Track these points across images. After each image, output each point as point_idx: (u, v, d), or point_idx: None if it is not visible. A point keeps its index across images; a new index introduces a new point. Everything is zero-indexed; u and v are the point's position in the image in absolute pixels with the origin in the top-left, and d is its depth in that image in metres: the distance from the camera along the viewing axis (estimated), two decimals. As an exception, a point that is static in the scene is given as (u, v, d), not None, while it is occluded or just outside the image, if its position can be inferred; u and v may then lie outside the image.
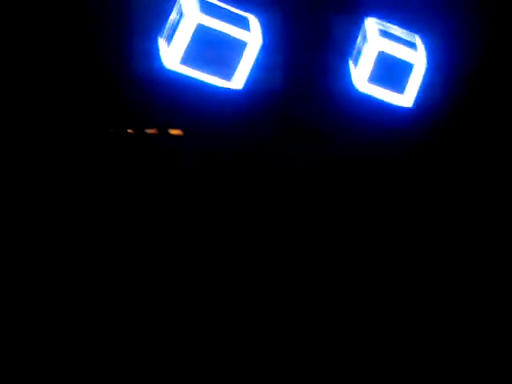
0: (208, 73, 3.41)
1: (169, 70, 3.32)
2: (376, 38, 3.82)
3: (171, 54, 3.34)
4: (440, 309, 3.81)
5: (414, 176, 3.93)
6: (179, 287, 3.32)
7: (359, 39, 3.83)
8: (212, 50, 3.38)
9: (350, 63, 3.78)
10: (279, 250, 3.53)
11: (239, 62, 3.48)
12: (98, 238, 3.16)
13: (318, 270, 3.60)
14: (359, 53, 3.81)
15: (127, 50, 3.23)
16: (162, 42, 3.31)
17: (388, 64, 3.87)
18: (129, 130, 3.25)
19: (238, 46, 3.47)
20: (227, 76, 3.45)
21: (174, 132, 3.33)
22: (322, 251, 3.65)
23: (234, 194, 3.48)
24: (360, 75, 3.80)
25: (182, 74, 3.32)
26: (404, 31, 3.86)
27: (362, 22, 3.77)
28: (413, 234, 3.88)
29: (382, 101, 3.87)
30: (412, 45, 3.91)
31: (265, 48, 3.53)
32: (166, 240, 3.32)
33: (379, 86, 3.85)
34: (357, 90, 3.81)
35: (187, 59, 3.35)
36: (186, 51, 3.32)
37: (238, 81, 3.49)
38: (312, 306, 3.56)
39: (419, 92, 3.94)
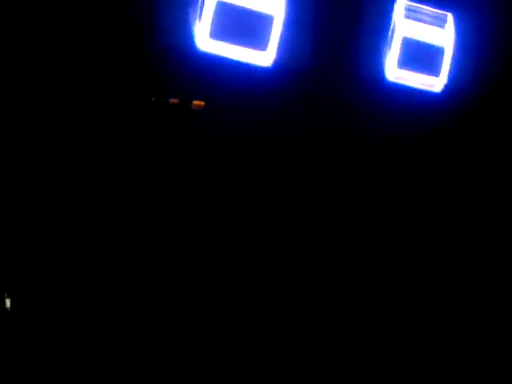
0: (238, 46, 3.41)
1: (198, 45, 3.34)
2: (404, 21, 3.80)
3: (201, 29, 3.35)
4: (439, 304, 3.82)
5: (443, 158, 3.91)
6: (194, 265, 3.36)
7: (392, 20, 3.81)
8: (240, 24, 3.39)
9: (381, 45, 3.77)
10: (300, 226, 3.56)
11: (269, 38, 3.47)
12: (116, 204, 3.20)
13: (334, 249, 3.62)
14: (390, 34, 3.79)
15: (158, 24, 3.26)
16: (192, 17, 3.34)
17: (417, 46, 3.84)
18: (157, 102, 3.27)
19: (269, 21, 3.47)
20: (258, 48, 3.45)
21: (197, 103, 3.35)
22: (344, 232, 3.67)
23: (257, 169, 3.50)
24: (389, 57, 3.79)
25: (211, 50, 3.35)
26: (434, 11, 3.83)
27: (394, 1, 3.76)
28: (439, 218, 3.88)
29: (411, 87, 3.85)
30: (442, 25, 3.88)
31: (293, 24, 3.52)
32: (182, 213, 3.34)
33: (409, 68, 3.83)
34: (386, 73, 3.80)
35: (216, 34, 3.36)
36: (214, 26, 3.33)
37: (268, 55, 3.49)
38: (316, 298, 3.58)
39: (450, 74, 3.91)
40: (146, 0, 3.19)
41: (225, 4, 3.33)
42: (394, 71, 3.80)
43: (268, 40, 3.46)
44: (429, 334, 3.74)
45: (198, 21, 3.34)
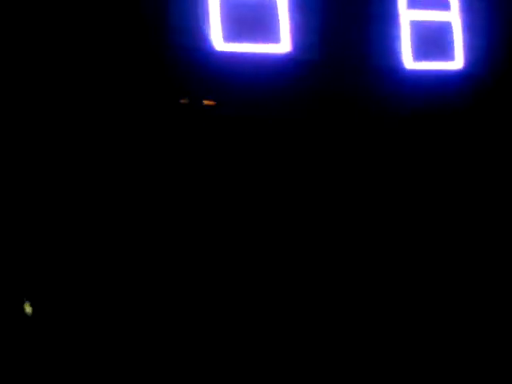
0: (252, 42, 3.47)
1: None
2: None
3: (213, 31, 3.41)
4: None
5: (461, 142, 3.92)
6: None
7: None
8: (252, 20, 3.45)
9: (394, 34, 3.80)
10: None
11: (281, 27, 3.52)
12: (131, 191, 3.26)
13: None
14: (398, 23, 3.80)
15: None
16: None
17: (427, 31, 3.86)
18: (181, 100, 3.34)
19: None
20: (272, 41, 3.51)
21: (208, 102, 3.41)
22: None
23: (272, 158, 3.55)
24: (401, 46, 3.81)
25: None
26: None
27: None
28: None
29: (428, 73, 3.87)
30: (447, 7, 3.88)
31: (303, 15, 3.57)
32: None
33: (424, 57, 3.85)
34: (402, 62, 3.82)
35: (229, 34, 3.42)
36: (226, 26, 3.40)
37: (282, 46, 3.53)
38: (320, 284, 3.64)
39: (465, 52, 3.91)
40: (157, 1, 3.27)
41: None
42: (409, 59, 3.82)
43: (280, 32, 3.52)
44: (427, 331, 3.73)
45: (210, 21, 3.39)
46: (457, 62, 3.91)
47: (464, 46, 3.90)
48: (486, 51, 3.98)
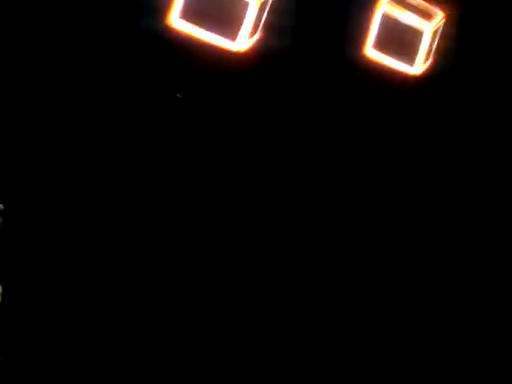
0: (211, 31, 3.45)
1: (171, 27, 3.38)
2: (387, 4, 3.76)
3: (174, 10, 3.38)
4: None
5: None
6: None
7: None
8: (214, 7, 3.40)
9: (359, 26, 3.76)
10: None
11: (243, 22, 3.49)
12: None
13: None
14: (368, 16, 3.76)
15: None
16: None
17: (397, 30, 3.83)
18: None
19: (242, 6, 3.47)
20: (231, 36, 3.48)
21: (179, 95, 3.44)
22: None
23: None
24: (369, 39, 3.79)
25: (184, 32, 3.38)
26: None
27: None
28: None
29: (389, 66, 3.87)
30: (424, 12, 3.84)
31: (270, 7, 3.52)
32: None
33: (387, 51, 3.83)
34: (365, 54, 3.80)
35: (189, 16, 3.38)
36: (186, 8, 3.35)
37: (241, 41, 3.51)
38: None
39: (428, 59, 3.91)
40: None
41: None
42: (372, 52, 3.81)
43: (243, 25, 3.49)
44: (427, 330, 3.78)
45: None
46: (415, 68, 3.91)
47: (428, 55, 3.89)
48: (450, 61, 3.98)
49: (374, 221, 3.81)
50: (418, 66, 3.93)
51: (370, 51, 3.81)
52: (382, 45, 3.83)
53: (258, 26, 3.53)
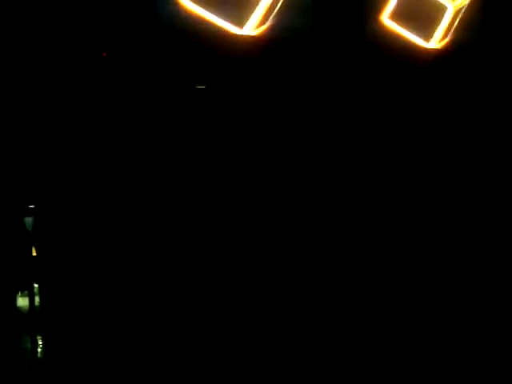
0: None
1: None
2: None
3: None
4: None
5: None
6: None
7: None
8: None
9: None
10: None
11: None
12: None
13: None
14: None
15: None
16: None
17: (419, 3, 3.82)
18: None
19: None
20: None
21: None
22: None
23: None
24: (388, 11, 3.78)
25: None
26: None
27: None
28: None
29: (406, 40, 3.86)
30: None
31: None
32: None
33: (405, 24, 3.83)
34: (383, 25, 3.79)
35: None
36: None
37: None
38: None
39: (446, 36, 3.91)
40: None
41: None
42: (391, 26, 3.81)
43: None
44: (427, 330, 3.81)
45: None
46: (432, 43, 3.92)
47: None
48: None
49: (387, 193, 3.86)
50: (435, 42, 3.93)
51: (388, 21, 3.81)
52: (401, 16, 3.83)
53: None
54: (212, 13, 3.42)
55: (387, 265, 3.80)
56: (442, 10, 3.91)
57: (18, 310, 3.21)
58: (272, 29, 3.53)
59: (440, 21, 3.91)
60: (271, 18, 3.52)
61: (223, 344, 3.47)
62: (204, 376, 3.40)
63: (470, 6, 3.96)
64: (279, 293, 3.59)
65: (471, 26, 3.97)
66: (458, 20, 3.93)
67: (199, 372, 3.41)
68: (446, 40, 3.94)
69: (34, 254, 3.28)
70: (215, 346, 3.45)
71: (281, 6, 3.53)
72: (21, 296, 3.25)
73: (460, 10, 3.94)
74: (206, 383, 3.40)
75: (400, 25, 3.84)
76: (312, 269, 3.67)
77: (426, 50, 3.92)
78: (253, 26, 3.50)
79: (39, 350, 3.22)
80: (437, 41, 3.93)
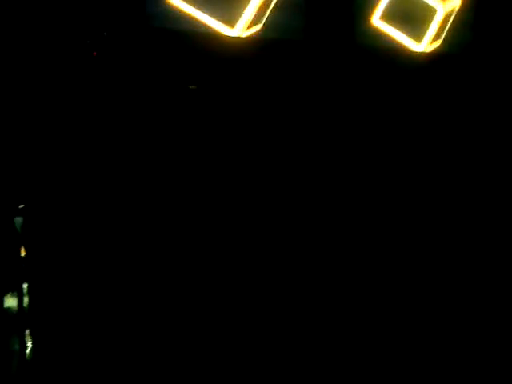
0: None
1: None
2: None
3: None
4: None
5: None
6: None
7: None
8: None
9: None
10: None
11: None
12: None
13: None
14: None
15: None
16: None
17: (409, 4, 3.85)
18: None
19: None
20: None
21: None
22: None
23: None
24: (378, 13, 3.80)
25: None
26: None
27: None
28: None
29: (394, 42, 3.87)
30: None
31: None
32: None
33: (394, 25, 3.84)
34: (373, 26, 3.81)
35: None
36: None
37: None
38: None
39: (437, 39, 3.93)
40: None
41: None
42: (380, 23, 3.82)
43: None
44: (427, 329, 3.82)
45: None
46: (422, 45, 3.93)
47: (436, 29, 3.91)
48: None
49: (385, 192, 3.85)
50: (425, 45, 3.94)
51: (378, 22, 3.82)
52: (391, 17, 3.84)
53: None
54: (203, 13, 3.44)
55: (387, 265, 3.79)
56: (433, 12, 3.93)
57: (6, 310, 3.19)
58: (263, 30, 3.56)
59: (431, 23, 3.93)
60: (263, 18, 3.54)
61: (220, 343, 3.45)
62: (201, 375, 3.39)
63: (461, 8, 3.99)
64: (279, 292, 3.58)
65: (463, 29, 3.99)
66: (449, 22, 3.95)
67: (196, 371, 3.40)
68: (438, 42, 3.95)
69: (23, 254, 3.27)
70: (212, 344, 3.43)
71: (273, 7, 3.56)
72: (10, 297, 3.23)
73: (451, 12, 3.96)
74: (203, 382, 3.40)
75: (391, 26, 3.86)
76: (312, 268, 3.66)
77: (416, 52, 3.93)
78: (244, 27, 3.51)
79: (28, 351, 3.18)
80: (428, 43, 3.94)
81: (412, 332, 3.79)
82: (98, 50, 3.30)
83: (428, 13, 3.91)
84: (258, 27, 3.52)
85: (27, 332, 3.18)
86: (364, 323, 3.72)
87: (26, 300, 3.21)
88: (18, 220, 3.23)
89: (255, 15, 3.51)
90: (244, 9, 3.50)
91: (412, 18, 3.88)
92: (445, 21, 3.94)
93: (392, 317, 3.77)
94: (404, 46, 3.89)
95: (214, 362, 3.43)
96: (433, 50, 3.95)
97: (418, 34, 3.91)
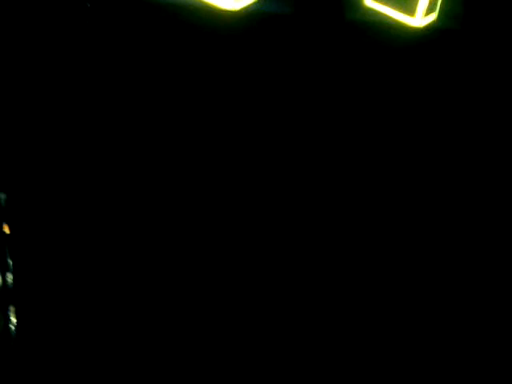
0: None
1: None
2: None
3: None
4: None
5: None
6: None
7: None
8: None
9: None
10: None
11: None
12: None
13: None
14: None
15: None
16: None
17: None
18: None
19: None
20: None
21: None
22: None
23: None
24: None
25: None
26: None
27: None
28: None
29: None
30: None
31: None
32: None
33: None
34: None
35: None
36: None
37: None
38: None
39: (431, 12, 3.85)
40: None
41: None
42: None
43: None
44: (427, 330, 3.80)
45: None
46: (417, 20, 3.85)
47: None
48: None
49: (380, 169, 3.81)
50: (420, 19, 3.86)
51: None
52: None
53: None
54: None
55: (387, 264, 3.77)
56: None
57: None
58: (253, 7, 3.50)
59: (424, -3, 3.84)
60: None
61: (217, 340, 3.45)
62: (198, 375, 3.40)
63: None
64: (279, 292, 3.57)
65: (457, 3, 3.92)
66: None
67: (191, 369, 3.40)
68: (431, 16, 3.87)
69: (7, 231, 3.26)
70: (207, 340, 3.43)
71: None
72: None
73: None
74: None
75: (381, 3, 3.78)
76: (312, 268, 3.63)
77: (410, 27, 3.85)
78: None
79: (12, 327, 3.19)
80: (421, 17, 3.87)
81: (412, 332, 3.77)
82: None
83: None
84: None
85: (11, 308, 3.19)
86: (364, 323, 3.70)
87: (10, 276, 3.22)
88: (1, 196, 3.22)
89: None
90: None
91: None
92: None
93: (392, 317, 3.76)
94: (396, 21, 3.81)
95: (211, 357, 3.43)
96: (427, 25, 3.87)
97: (411, 9, 3.83)
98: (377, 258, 3.75)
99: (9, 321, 3.19)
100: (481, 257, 3.92)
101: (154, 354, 3.36)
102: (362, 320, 3.68)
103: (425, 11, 3.86)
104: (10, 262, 3.23)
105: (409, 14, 3.83)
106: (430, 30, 3.88)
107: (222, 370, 3.43)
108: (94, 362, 3.25)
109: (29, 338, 3.19)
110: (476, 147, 3.99)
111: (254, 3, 3.49)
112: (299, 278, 3.61)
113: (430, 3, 3.85)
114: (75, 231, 3.26)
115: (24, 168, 3.24)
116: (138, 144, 3.39)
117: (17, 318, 3.20)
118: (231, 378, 3.43)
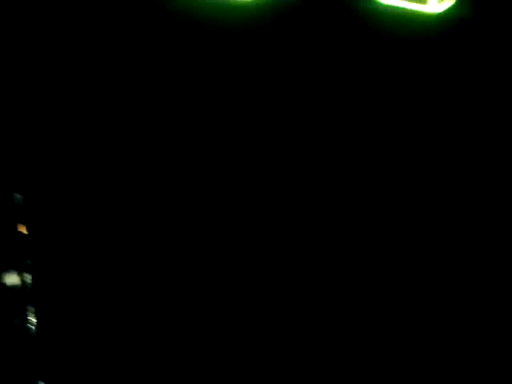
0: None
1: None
2: None
3: None
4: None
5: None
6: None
7: None
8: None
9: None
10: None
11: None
12: None
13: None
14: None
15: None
16: None
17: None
18: None
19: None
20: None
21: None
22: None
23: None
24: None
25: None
26: None
27: None
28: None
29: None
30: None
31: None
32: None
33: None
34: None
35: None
36: None
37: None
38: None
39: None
40: None
41: None
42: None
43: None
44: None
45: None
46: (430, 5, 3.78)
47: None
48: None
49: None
50: (433, 5, 3.80)
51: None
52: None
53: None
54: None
55: (387, 264, 3.71)
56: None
57: (8, 287, 3.20)
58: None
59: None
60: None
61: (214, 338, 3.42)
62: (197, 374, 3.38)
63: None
64: (279, 292, 3.53)
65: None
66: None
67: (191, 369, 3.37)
68: (448, 2, 3.81)
69: (25, 231, 3.27)
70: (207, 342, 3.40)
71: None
72: (12, 274, 3.23)
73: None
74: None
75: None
76: (312, 268, 3.59)
77: (422, 14, 3.80)
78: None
79: (31, 327, 3.19)
80: (436, 2, 3.81)
81: (412, 332, 3.70)
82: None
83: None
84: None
85: (30, 308, 3.19)
86: (364, 322, 3.65)
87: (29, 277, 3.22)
88: (18, 197, 3.24)
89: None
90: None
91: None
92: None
93: (392, 317, 3.70)
94: (412, 11, 3.76)
95: (211, 357, 3.42)
96: (443, 12, 3.80)
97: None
98: (377, 257, 3.70)
99: (27, 321, 3.19)
100: (480, 257, 3.85)
101: (166, 350, 3.35)
102: (362, 320, 3.64)
103: (438, -2, 3.81)
104: (28, 263, 3.24)
105: (421, 2, 3.78)
106: (445, 17, 3.81)
107: (222, 370, 3.41)
108: (109, 359, 3.24)
109: (48, 336, 3.19)
110: (493, 136, 3.91)
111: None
112: (299, 278, 3.58)
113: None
114: (90, 231, 3.26)
115: (40, 170, 3.26)
116: (155, 143, 3.40)
117: (36, 317, 3.21)
118: (231, 378, 3.41)
